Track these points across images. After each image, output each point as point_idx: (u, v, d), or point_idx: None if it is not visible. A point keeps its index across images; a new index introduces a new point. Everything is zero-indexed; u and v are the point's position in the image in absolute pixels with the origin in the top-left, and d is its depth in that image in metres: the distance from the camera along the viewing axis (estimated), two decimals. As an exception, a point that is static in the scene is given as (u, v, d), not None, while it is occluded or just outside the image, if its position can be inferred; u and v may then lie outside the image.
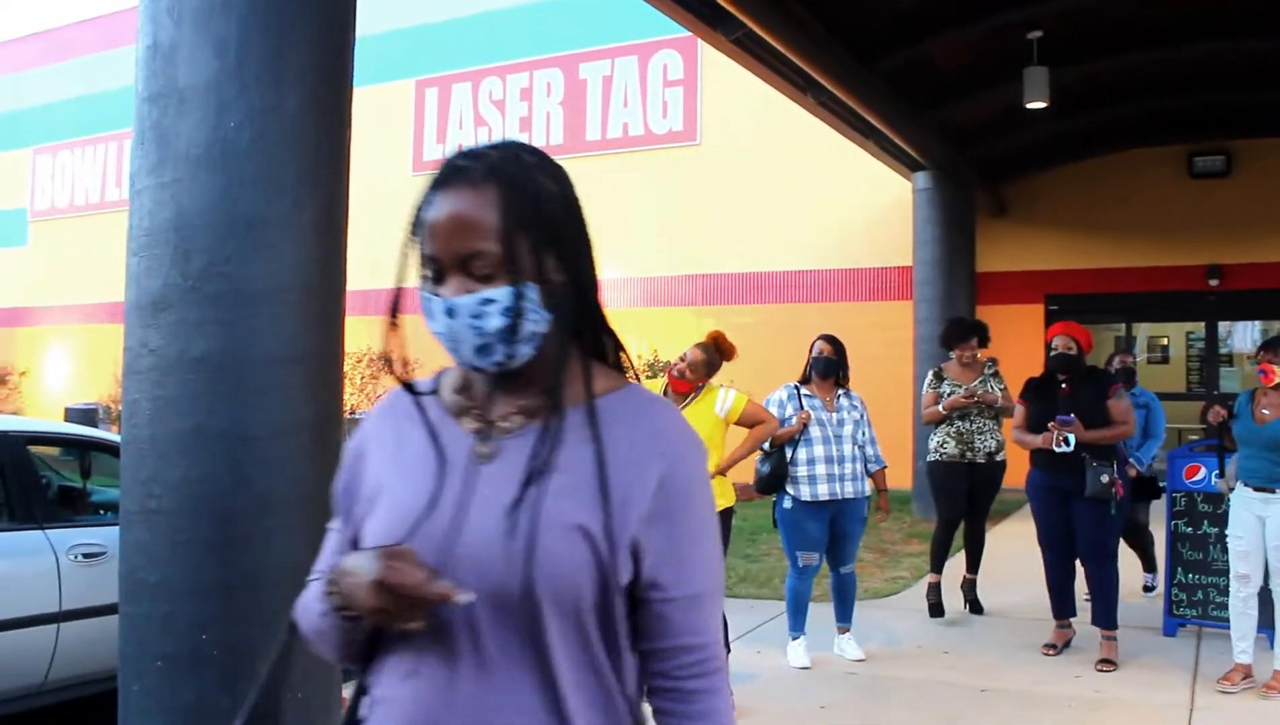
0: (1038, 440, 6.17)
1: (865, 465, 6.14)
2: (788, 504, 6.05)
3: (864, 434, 6.16)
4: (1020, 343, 13.42)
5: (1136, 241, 13.70)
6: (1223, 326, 14.19)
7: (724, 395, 5.33)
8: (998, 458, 7.19)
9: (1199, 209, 13.44)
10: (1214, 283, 13.42)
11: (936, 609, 7.12)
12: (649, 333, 14.82)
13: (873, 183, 14.15)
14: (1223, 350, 14.22)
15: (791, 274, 15.48)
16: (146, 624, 3.00)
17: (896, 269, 14.43)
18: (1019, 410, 6.47)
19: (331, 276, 3.21)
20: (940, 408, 7.19)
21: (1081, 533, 6.12)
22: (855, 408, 6.19)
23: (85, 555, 5.22)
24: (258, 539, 2.99)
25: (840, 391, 6.21)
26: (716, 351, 5.49)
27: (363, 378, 16.50)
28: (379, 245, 17.99)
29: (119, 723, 3.11)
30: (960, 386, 7.21)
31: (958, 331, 7.48)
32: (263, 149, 3.04)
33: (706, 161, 16.25)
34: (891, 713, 5.32)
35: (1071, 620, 6.36)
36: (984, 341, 7.48)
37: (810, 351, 6.29)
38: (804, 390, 6.17)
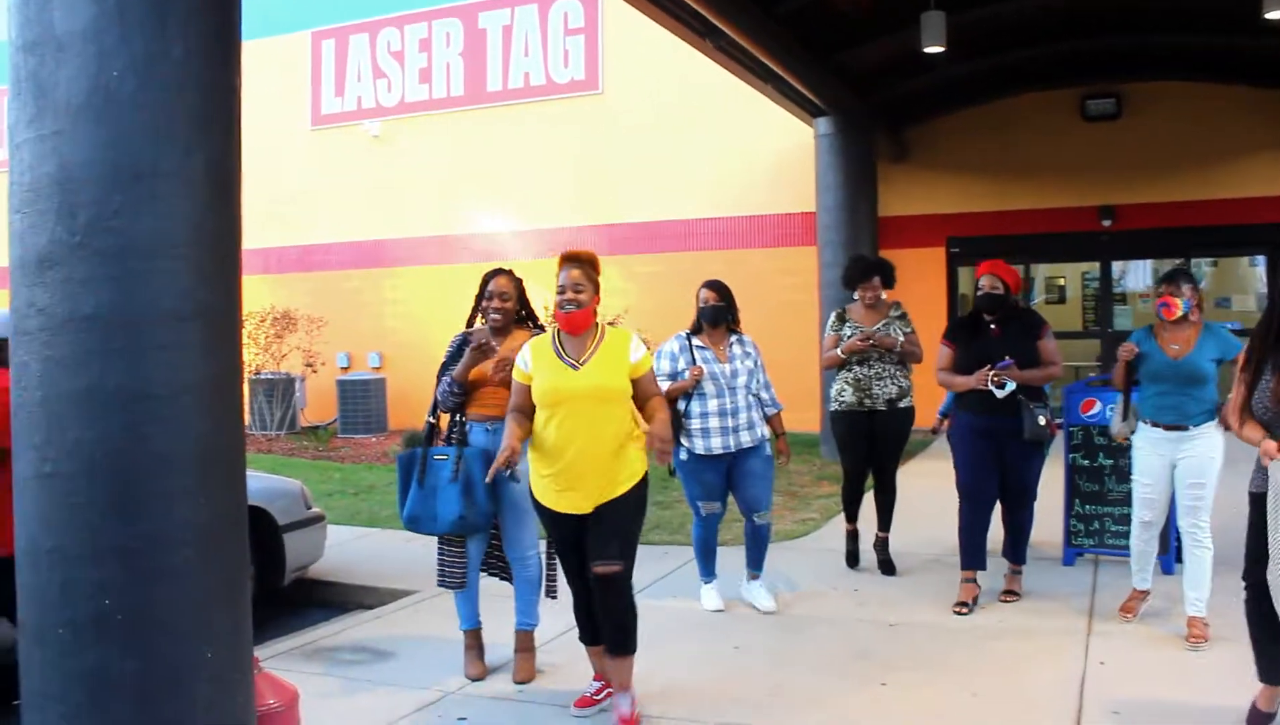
0: (970, 381, 5.93)
1: (762, 410, 6.05)
2: (684, 456, 5.96)
3: (759, 380, 6.06)
4: (923, 285, 13.64)
5: (1033, 184, 13.96)
6: (1116, 266, 14.54)
7: (636, 343, 4.55)
8: (900, 405, 6.85)
9: (1092, 151, 13.73)
10: (1107, 223, 13.75)
11: (852, 558, 7.04)
12: (555, 284, 14.74)
13: (775, 129, 14.19)
14: (1116, 290, 14.58)
15: (695, 221, 15.50)
16: (45, 591, 2.92)
17: (800, 215, 14.53)
18: (945, 351, 6.19)
19: (226, 230, 3.12)
20: (839, 351, 6.86)
21: (1013, 476, 6.02)
22: (749, 355, 6.04)
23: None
24: (158, 499, 2.92)
25: (732, 337, 6.05)
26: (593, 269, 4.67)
27: (266, 337, 16.19)
28: (279, 200, 17.62)
29: (22, 692, 3.04)
30: (862, 330, 6.85)
31: (859, 270, 7.11)
32: (148, 98, 2.93)
33: (609, 110, 16.15)
34: (804, 649, 5.42)
35: (978, 574, 6.10)
36: (888, 281, 7.07)
37: (697, 300, 6.08)
38: (695, 341, 6.01)
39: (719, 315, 6.01)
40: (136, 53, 2.92)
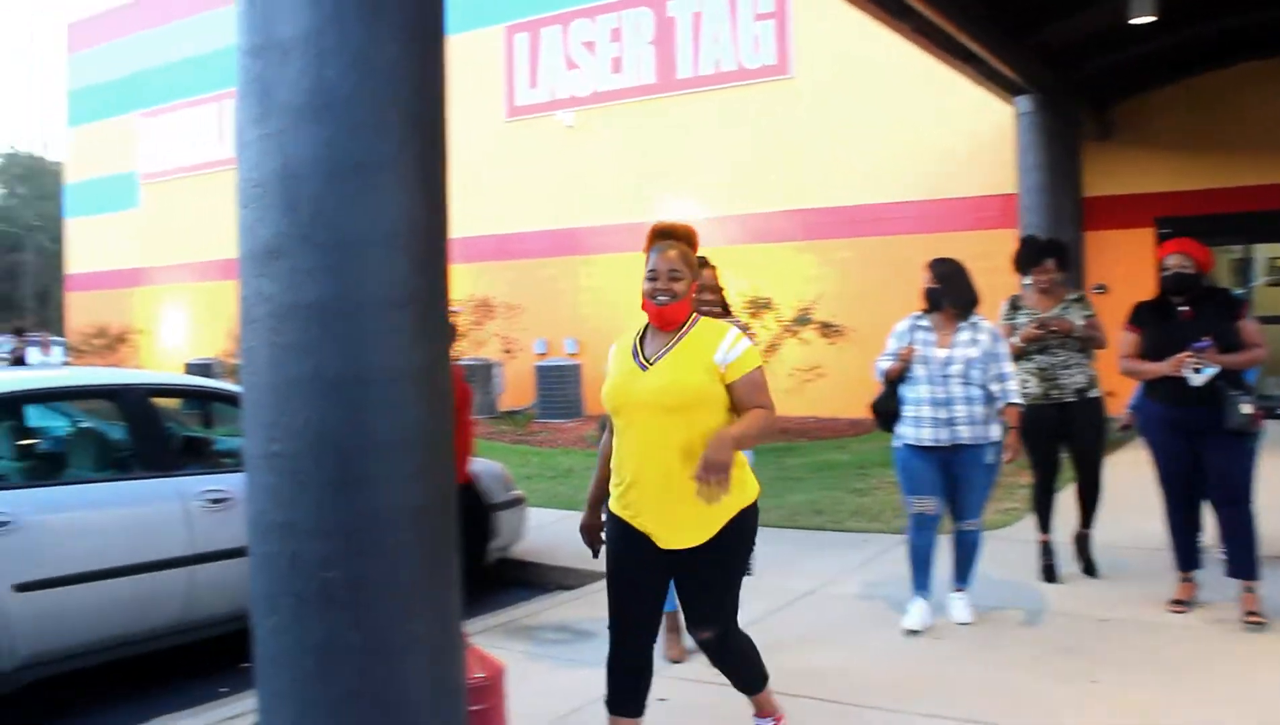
0: (1163, 367, 5.44)
1: (992, 401, 5.46)
2: (898, 444, 5.62)
3: (991, 370, 5.44)
4: (1130, 268, 13.09)
5: (1250, 158, 13.19)
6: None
7: (731, 340, 3.58)
8: (1090, 394, 6.35)
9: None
10: (1334, 198, 12.88)
11: (1049, 572, 6.44)
12: (750, 270, 14.73)
13: (970, 109, 13.85)
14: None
15: (890, 205, 15.25)
16: (275, 563, 3.10)
17: (998, 197, 14.12)
18: (1129, 337, 5.73)
19: (436, 220, 3.24)
20: (1015, 341, 6.32)
21: (1215, 471, 5.46)
22: (977, 342, 5.45)
23: (212, 501, 5.41)
24: (377, 479, 3.06)
25: (965, 323, 5.52)
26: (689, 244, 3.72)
27: (466, 324, 16.71)
28: (477, 191, 18.15)
29: (255, 658, 3.24)
30: (1038, 316, 6.39)
31: (1030, 253, 6.59)
32: (363, 96, 3.07)
33: (801, 95, 16.04)
34: (1006, 642, 5.29)
35: (1195, 574, 5.74)
36: (1063, 263, 6.56)
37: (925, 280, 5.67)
38: (924, 321, 5.61)
39: (934, 298, 5.59)
40: (353, 53, 3.06)
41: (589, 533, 3.78)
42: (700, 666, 5.03)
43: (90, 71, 27.66)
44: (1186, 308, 5.56)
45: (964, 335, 5.49)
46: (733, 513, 3.50)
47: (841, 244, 15.51)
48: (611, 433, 3.67)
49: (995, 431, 5.42)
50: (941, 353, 5.46)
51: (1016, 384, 5.51)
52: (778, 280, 14.90)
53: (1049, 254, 6.48)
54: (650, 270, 3.58)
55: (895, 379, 5.57)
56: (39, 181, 66.18)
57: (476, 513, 6.64)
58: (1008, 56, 10.80)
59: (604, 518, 3.71)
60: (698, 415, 3.43)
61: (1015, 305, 6.55)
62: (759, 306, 14.07)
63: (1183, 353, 5.35)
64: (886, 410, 5.61)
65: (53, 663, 4.92)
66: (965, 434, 5.39)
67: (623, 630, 3.66)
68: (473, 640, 4.05)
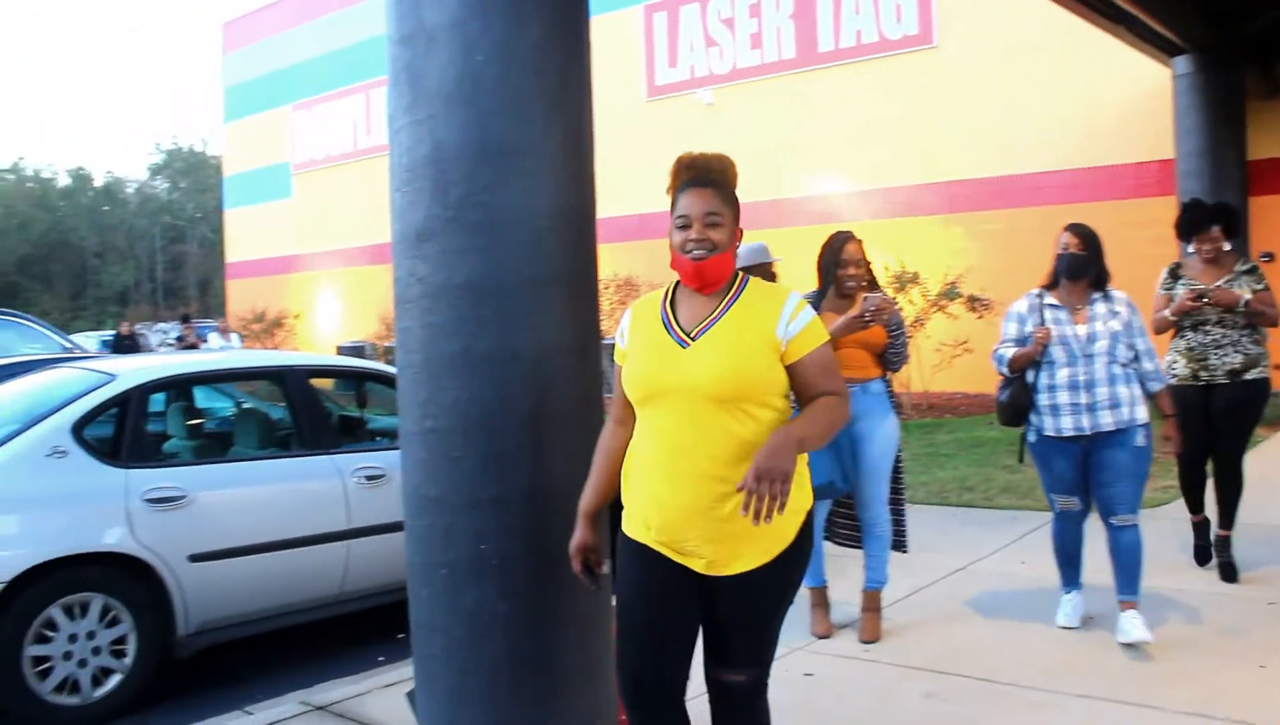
0: None
1: (1141, 385, 4.88)
2: (1033, 437, 5.05)
3: (1133, 347, 4.87)
4: (1301, 236, 12.49)
5: None
6: None
7: (792, 306, 2.76)
8: (1247, 376, 5.72)
9: None
10: None
11: (1201, 553, 6.03)
12: (895, 245, 14.51)
13: (1121, 72, 13.37)
14: None
15: (1039, 175, 14.83)
16: (430, 535, 3.21)
17: (1154, 163, 13.62)
18: None
19: (582, 200, 3.30)
20: (1167, 313, 5.79)
21: None
22: (1116, 314, 4.85)
23: (368, 478, 5.60)
24: (526, 454, 3.14)
25: (1097, 295, 4.91)
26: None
27: (610, 303, 16.86)
28: (618, 171, 18.25)
29: (411, 625, 3.35)
30: (1199, 287, 5.77)
31: (1194, 218, 5.92)
32: (509, 80, 3.14)
33: (944, 64, 15.70)
34: (1164, 621, 5.12)
35: None
36: (1231, 230, 5.88)
37: (1055, 247, 5.03)
38: (1049, 298, 4.99)
39: (1079, 266, 4.90)
40: (497, 39, 3.13)
41: (585, 555, 2.85)
42: (846, 642, 5.02)
43: (244, 68, 28.74)
44: None
45: (1100, 307, 4.90)
46: (798, 525, 2.71)
47: (989, 216, 15.16)
48: (620, 426, 2.86)
49: (1142, 412, 4.82)
50: (1082, 330, 4.85)
51: (1158, 362, 4.93)
52: (924, 254, 14.64)
53: (1215, 220, 5.84)
54: (680, 216, 2.72)
55: (1024, 367, 4.98)
56: (199, 175, 69.23)
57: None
58: (1165, 15, 10.38)
59: (598, 537, 2.89)
60: (754, 406, 2.63)
61: (1175, 274, 5.97)
62: (905, 281, 13.85)
63: None
64: (1019, 405, 5.02)
65: (222, 629, 5.17)
66: (1108, 420, 4.79)
67: (645, 697, 2.78)
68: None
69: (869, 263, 5.20)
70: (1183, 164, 12.03)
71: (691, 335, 2.69)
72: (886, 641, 5.02)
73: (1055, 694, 4.25)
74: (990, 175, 15.24)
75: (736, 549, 2.64)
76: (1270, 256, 12.70)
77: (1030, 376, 4.98)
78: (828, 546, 5.29)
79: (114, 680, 4.77)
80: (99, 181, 72.75)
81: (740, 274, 2.81)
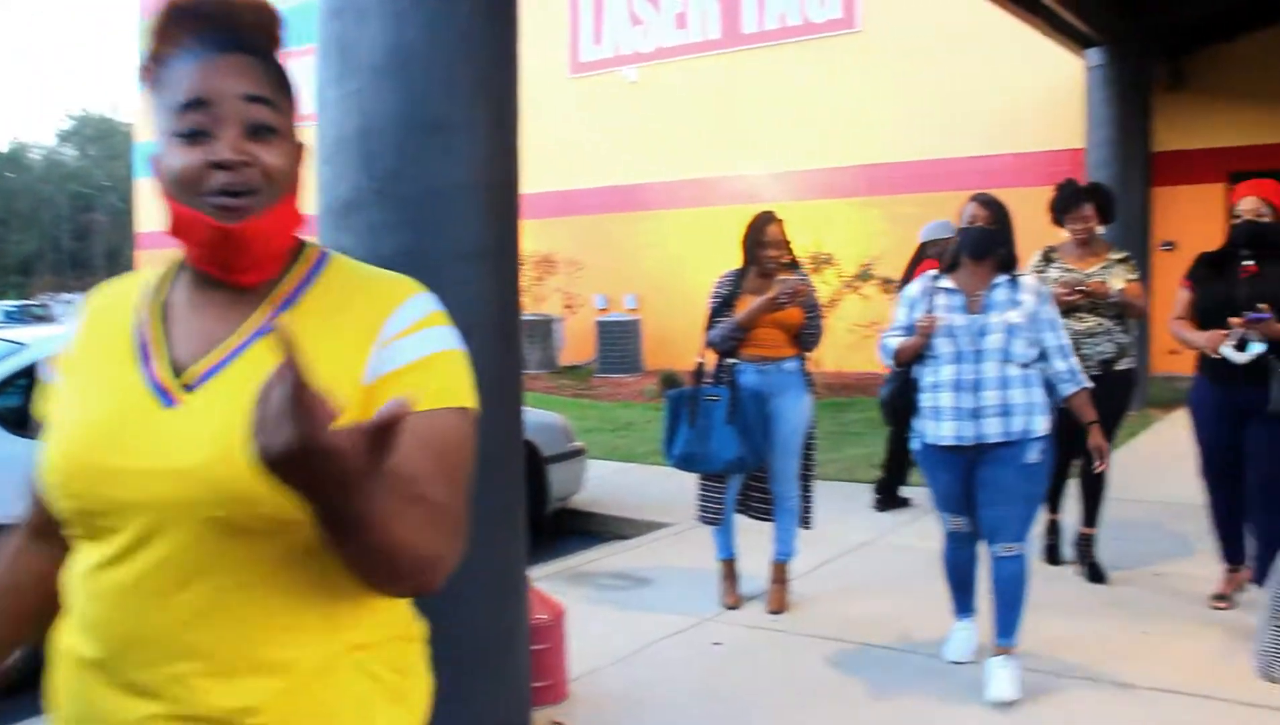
0: (1199, 341, 4.64)
1: (1049, 390, 4.18)
2: (916, 444, 4.36)
3: (1039, 344, 4.13)
4: (1200, 226, 12.88)
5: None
6: None
7: (416, 312, 1.38)
8: (1117, 367, 5.49)
9: (1399, 76, 12.58)
10: None
11: (1052, 552, 5.85)
12: (813, 226, 14.70)
13: (1039, 62, 13.67)
14: None
15: (957, 160, 15.11)
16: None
17: (1067, 151, 13.95)
18: (1182, 296, 4.89)
19: (508, 175, 3.35)
20: None
21: (1253, 464, 4.65)
22: (1018, 305, 4.09)
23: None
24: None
25: (1000, 280, 4.17)
26: None
27: (528, 280, 16.86)
28: (540, 147, 18.18)
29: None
30: (1074, 272, 5.57)
31: (1065, 196, 5.68)
32: (439, 55, 3.18)
33: (867, 49, 15.91)
34: (1057, 592, 5.33)
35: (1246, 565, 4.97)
36: (1106, 213, 5.68)
37: (959, 220, 4.33)
38: (946, 281, 4.24)
39: (985, 243, 4.16)
40: (428, 14, 3.17)
41: None
42: (754, 613, 5.16)
43: (161, 25, 28.05)
44: (1252, 264, 4.62)
45: (1000, 295, 4.13)
46: None
47: (905, 199, 15.40)
48: (37, 543, 1.46)
49: (1040, 423, 4.08)
50: (975, 320, 4.11)
51: (1074, 361, 4.22)
52: (841, 236, 14.85)
53: (1087, 198, 5.64)
54: (185, 109, 1.27)
55: (911, 360, 4.27)
56: (109, 142, 67.30)
57: (533, 464, 6.77)
58: (1078, 7, 10.66)
59: None
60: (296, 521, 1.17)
61: (1048, 257, 5.72)
62: (821, 262, 14.08)
63: (1234, 320, 4.49)
64: (902, 404, 4.33)
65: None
66: (995, 429, 4.04)
67: None
68: (535, 584, 4.19)
69: (790, 243, 5.32)
70: (1093, 153, 12.35)
71: (189, 382, 1.29)
72: (793, 612, 5.18)
73: (955, 662, 4.43)
74: (908, 159, 15.50)
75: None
76: (1171, 246, 13.11)
77: (918, 372, 4.30)
78: (738, 519, 5.42)
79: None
80: (3, 147, 70.58)
81: (310, 247, 1.42)
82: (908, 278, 6.57)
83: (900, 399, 4.31)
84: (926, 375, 4.22)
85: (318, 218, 3.36)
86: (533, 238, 17.42)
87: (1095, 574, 5.62)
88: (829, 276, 14.04)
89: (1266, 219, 4.62)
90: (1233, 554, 5.02)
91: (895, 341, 4.30)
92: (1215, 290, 4.71)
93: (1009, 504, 4.08)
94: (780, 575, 5.28)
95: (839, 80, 16.07)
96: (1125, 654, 4.49)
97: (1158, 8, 11.77)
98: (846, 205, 15.95)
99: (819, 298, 5.37)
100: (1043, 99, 14.29)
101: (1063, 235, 5.76)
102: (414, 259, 3.14)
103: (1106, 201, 5.72)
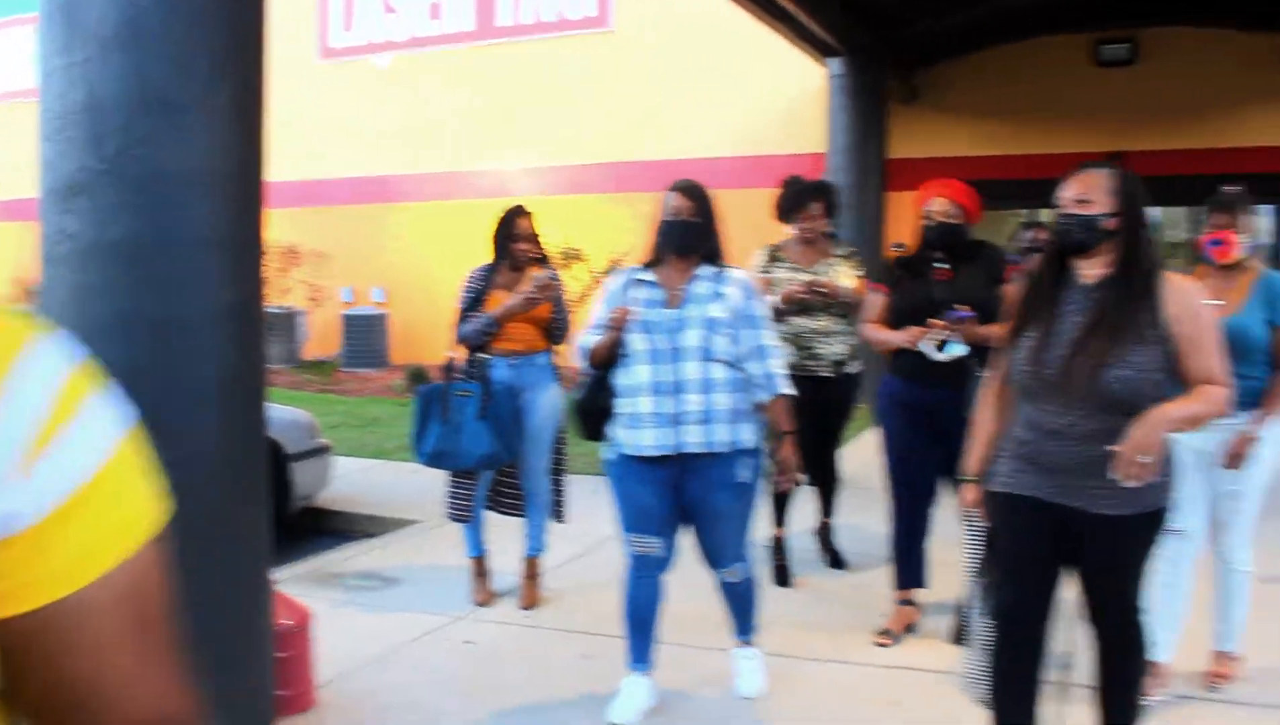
0: (899, 337, 4.45)
1: (752, 394, 3.78)
2: (611, 456, 3.89)
3: (747, 342, 3.74)
4: (928, 230, 13.66)
5: (1044, 128, 13.95)
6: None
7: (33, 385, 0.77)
8: (848, 369, 5.49)
9: (1105, 97, 13.71)
10: (1116, 170, 13.75)
11: (781, 575, 5.55)
12: (564, 221, 14.76)
13: (787, 68, 14.17)
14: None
15: (704, 161, 15.45)
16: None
17: (810, 156, 14.53)
18: (876, 299, 4.71)
19: (250, 161, 3.19)
20: (774, 300, 5.26)
21: (946, 468, 4.37)
22: (722, 298, 3.72)
23: None
24: (186, 422, 3.02)
25: (707, 270, 3.79)
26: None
27: (271, 270, 16.22)
28: (286, 134, 17.58)
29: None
30: (801, 271, 5.46)
31: (793, 195, 5.62)
32: (173, 30, 2.99)
33: (620, 48, 16.09)
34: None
35: (917, 593, 4.79)
36: (831, 209, 5.61)
37: (661, 212, 3.90)
38: (648, 274, 3.86)
39: (690, 237, 3.80)
40: (163, -16, 2.98)
41: None
42: (507, 610, 5.12)
43: None
44: (945, 266, 4.52)
45: (702, 287, 3.76)
46: None
47: (654, 197, 15.66)
48: None
49: (749, 434, 3.75)
50: (671, 314, 3.73)
51: (783, 364, 3.88)
52: (591, 232, 14.97)
53: (814, 197, 5.56)
54: None
55: (605, 361, 3.82)
56: None
57: (276, 462, 6.50)
58: (821, 17, 11.09)
59: None
60: None
61: (774, 256, 5.57)
62: (570, 257, 14.20)
63: (935, 321, 4.35)
64: (597, 410, 3.84)
65: None
66: (696, 439, 3.66)
67: None
68: (279, 587, 4.03)
69: (540, 238, 5.30)
70: (832, 159, 12.89)
71: None
72: (546, 607, 5.17)
73: (704, 649, 4.51)
74: (657, 158, 15.76)
75: None
76: (902, 246, 13.79)
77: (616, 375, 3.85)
78: (488, 515, 5.36)
79: None
80: None
81: None
82: None
83: (593, 405, 3.84)
84: (621, 378, 3.77)
85: (40, 199, 3.11)
86: (277, 227, 16.80)
87: (836, 561, 5.85)
88: (579, 272, 14.16)
89: (956, 220, 4.54)
90: (910, 577, 4.73)
91: (592, 339, 3.84)
92: (912, 293, 4.55)
93: (723, 525, 3.82)
94: (532, 570, 5.26)
95: (592, 78, 16.19)
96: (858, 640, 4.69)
97: (895, 23, 12.39)
98: (596, 201, 16.08)
99: (566, 292, 5.35)
100: (788, 104, 14.83)
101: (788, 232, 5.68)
102: (146, 246, 2.97)
103: (833, 200, 5.67)
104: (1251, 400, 3.78)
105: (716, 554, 3.87)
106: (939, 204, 4.53)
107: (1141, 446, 2.71)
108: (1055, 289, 3.06)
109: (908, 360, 4.48)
